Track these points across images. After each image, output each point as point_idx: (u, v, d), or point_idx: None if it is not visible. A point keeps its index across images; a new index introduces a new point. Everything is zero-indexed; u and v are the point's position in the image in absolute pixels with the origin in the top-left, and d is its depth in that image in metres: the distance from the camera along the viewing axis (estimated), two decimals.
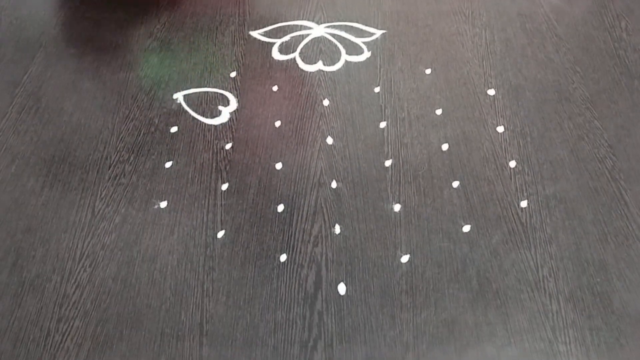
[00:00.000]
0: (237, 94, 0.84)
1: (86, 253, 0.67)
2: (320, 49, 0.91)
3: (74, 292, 0.64)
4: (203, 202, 0.72)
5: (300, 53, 0.90)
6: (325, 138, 0.78)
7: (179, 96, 0.84)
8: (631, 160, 0.75)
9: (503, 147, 0.77)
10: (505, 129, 0.79)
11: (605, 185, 0.72)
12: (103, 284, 0.64)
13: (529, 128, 0.79)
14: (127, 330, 0.61)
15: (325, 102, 0.83)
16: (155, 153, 0.77)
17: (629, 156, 0.75)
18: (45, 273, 0.65)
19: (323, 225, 0.69)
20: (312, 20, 0.95)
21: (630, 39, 0.91)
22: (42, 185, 0.73)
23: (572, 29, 0.94)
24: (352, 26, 0.95)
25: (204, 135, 0.79)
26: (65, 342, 0.60)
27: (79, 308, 0.63)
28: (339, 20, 0.95)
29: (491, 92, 0.84)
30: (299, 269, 0.65)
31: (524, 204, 0.71)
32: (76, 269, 0.66)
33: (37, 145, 0.78)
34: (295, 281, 0.64)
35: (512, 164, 0.75)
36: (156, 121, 0.81)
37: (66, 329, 0.61)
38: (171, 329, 0.61)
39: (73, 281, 0.65)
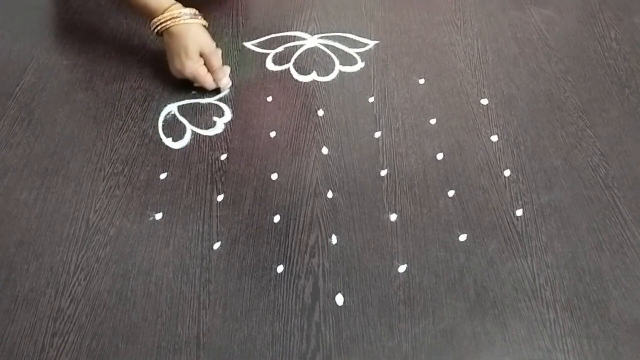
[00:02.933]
0: (231, 105, 0.84)
1: (81, 266, 0.66)
2: (314, 60, 0.91)
3: (68, 306, 0.63)
4: (198, 213, 0.71)
5: (294, 64, 0.90)
6: (321, 148, 0.78)
7: (173, 107, 0.84)
8: (624, 168, 0.75)
9: (497, 156, 0.77)
10: (499, 138, 0.80)
11: (599, 193, 0.73)
12: (98, 298, 0.64)
13: (523, 137, 0.80)
14: (123, 344, 0.60)
15: (320, 113, 0.83)
16: (150, 165, 0.77)
17: (622, 164, 0.76)
18: (39, 287, 0.65)
19: (319, 236, 0.69)
20: (306, 31, 0.96)
21: (620, 48, 0.93)
22: (35, 197, 0.73)
23: (563, 38, 0.95)
24: (345, 37, 0.95)
25: (198, 146, 0.79)
26: (60, 357, 0.59)
27: (73, 322, 0.62)
28: (332, 31, 0.96)
29: (484, 101, 0.85)
30: (296, 280, 0.65)
31: (519, 212, 0.71)
32: (71, 283, 0.65)
33: (30, 157, 0.77)
34: (293, 292, 0.64)
35: (507, 172, 0.75)
36: (150, 132, 0.81)
37: (61, 344, 0.60)
38: (167, 343, 0.60)
39: (67, 295, 0.64)
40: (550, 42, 0.94)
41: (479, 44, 0.94)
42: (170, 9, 0.81)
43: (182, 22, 0.81)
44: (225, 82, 0.85)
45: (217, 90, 0.86)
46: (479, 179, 0.74)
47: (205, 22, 0.85)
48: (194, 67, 0.82)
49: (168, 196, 0.73)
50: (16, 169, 0.76)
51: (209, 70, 0.84)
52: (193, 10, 0.83)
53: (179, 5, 0.82)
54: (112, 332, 0.61)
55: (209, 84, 0.84)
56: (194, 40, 0.81)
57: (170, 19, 0.81)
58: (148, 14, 0.82)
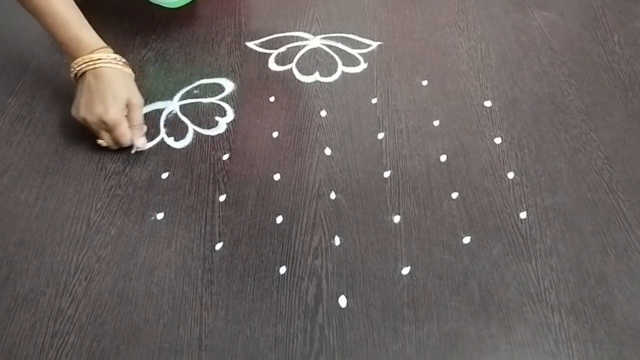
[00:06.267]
0: (233, 105, 0.84)
1: (81, 266, 0.66)
2: (316, 60, 0.91)
3: (69, 307, 0.62)
4: (200, 213, 0.71)
5: (296, 64, 0.90)
6: (324, 149, 0.78)
7: (174, 106, 0.83)
8: (628, 172, 0.75)
9: (501, 158, 0.77)
10: (502, 140, 0.79)
11: (603, 197, 0.72)
12: (99, 298, 0.63)
13: (526, 140, 0.79)
14: (124, 346, 0.60)
15: (323, 113, 0.83)
16: (151, 164, 0.76)
17: (626, 168, 0.76)
18: (39, 287, 0.64)
19: (323, 237, 0.68)
20: (309, 32, 0.95)
21: (623, 52, 0.93)
22: (35, 197, 0.72)
23: (566, 42, 0.95)
24: (348, 38, 0.95)
25: (200, 146, 0.79)
26: (60, 358, 0.58)
27: (74, 323, 0.61)
28: (335, 32, 0.96)
29: (488, 104, 0.84)
30: (299, 282, 0.65)
31: (523, 215, 0.71)
32: (71, 283, 0.64)
33: (30, 156, 0.77)
34: (296, 294, 0.64)
35: (511, 175, 0.75)
36: (152, 131, 0.80)
37: (61, 345, 0.59)
38: (169, 344, 0.60)
39: (68, 295, 0.63)
40: (554, 45, 0.94)
41: (482, 46, 0.93)
42: (102, 50, 0.75)
43: (116, 65, 0.75)
44: (143, 142, 0.76)
45: (218, 90, 0.85)
46: (482, 182, 0.74)
47: (133, 74, 0.78)
48: (118, 115, 0.73)
49: (170, 196, 0.72)
50: (16, 167, 0.75)
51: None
52: (123, 59, 0.77)
53: (110, 50, 0.76)
54: (113, 333, 0.60)
55: (126, 138, 0.74)
56: (125, 87, 0.74)
57: (102, 59, 0.74)
58: (74, 49, 0.74)
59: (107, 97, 0.73)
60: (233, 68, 0.89)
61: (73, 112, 0.76)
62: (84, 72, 0.74)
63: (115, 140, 0.75)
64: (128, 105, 0.75)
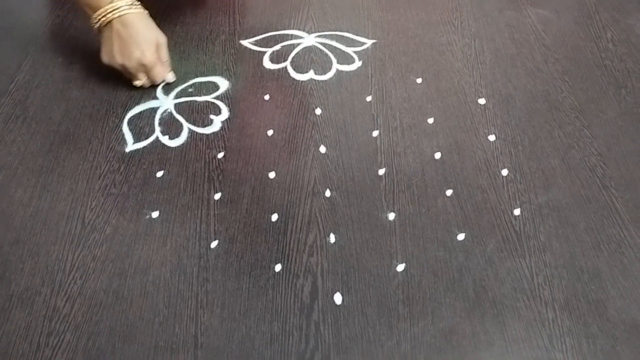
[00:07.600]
0: (228, 103, 0.84)
1: (76, 265, 0.66)
2: (311, 58, 0.91)
3: (64, 305, 0.62)
4: (196, 212, 0.71)
5: (291, 62, 0.90)
6: (318, 147, 0.78)
7: (169, 105, 0.83)
8: (621, 168, 0.76)
9: (495, 155, 0.77)
10: (496, 137, 0.80)
11: (596, 193, 0.73)
12: (94, 297, 0.63)
13: (520, 137, 0.80)
14: (120, 344, 0.60)
15: (318, 111, 0.83)
16: (146, 162, 0.76)
17: (619, 164, 0.76)
18: (35, 286, 0.64)
19: (318, 235, 0.69)
20: (303, 30, 0.96)
21: (616, 49, 0.93)
22: (30, 196, 0.72)
23: (560, 39, 0.95)
24: (342, 36, 0.95)
25: (195, 145, 0.79)
26: (55, 357, 0.58)
27: (69, 321, 0.61)
28: (329, 30, 0.96)
29: (482, 101, 0.85)
30: (294, 279, 0.65)
31: (517, 212, 0.71)
32: (66, 282, 0.64)
33: (24, 155, 0.77)
34: (291, 292, 0.64)
35: (505, 172, 0.75)
36: (147, 130, 0.80)
37: (57, 343, 0.59)
38: (165, 342, 0.60)
39: (63, 294, 0.63)
40: (547, 42, 0.94)
41: (477, 44, 0.94)
42: None
43: (137, 10, 0.79)
44: (172, 76, 0.86)
45: (213, 88, 0.85)
46: (477, 179, 0.74)
47: (147, 11, 0.82)
48: (155, 56, 0.81)
49: (165, 194, 0.72)
50: (10, 166, 0.75)
51: None
52: (137, 1, 0.80)
53: None
54: (109, 331, 0.60)
55: (162, 75, 0.84)
56: (151, 30, 0.81)
57: (123, 6, 0.78)
58: (95, 3, 0.78)
59: (141, 42, 0.79)
60: (228, 66, 0.89)
61: (106, 59, 0.81)
62: (110, 21, 0.78)
63: (152, 79, 0.83)
64: (156, 45, 0.81)
